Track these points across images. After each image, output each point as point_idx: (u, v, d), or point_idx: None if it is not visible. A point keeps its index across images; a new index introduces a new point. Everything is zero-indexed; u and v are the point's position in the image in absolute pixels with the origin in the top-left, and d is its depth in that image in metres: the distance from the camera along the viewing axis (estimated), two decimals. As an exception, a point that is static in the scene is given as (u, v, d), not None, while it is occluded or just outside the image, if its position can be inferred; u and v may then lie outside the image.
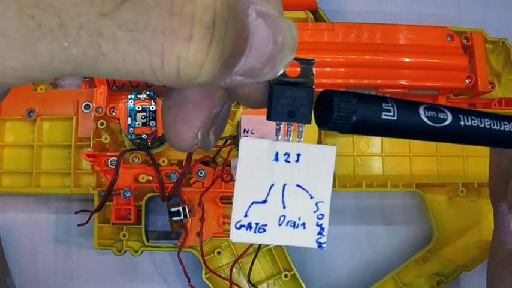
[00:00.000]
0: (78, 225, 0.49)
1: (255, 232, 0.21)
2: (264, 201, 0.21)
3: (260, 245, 0.51)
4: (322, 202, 0.21)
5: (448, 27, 0.55)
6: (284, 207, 0.21)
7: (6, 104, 0.54)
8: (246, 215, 0.21)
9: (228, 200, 0.51)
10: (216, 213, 0.51)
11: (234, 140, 0.49)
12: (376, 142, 0.57)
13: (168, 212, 0.48)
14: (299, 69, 0.20)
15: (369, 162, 0.57)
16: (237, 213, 0.21)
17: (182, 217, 0.48)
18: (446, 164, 0.57)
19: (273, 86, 0.19)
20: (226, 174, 0.49)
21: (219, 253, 0.52)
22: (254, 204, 0.21)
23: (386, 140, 0.57)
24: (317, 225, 0.21)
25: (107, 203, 0.49)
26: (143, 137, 0.47)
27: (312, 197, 0.21)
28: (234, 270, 0.51)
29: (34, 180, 0.52)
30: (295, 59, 0.19)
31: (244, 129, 0.47)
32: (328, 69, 0.52)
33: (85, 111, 0.53)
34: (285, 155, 0.21)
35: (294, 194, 0.21)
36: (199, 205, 0.49)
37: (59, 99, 0.54)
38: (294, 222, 0.21)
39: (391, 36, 0.54)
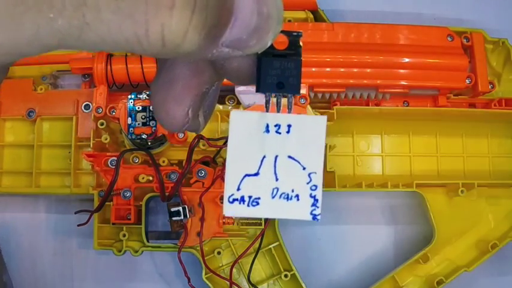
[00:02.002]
0: (78, 225, 0.49)
1: (248, 205, 0.20)
2: (256, 174, 0.20)
3: (260, 245, 0.51)
4: (315, 173, 0.21)
5: (448, 27, 0.55)
6: (277, 180, 0.20)
7: (6, 104, 0.54)
8: (238, 188, 0.20)
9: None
10: (216, 213, 0.51)
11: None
12: (376, 142, 0.57)
13: (168, 212, 0.48)
14: (286, 42, 0.20)
15: (369, 162, 0.57)
16: (229, 186, 0.20)
17: (182, 217, 0.48)
18: (446, 164, 0.58)
19: (261, 58, 0.19)
20: (226, 174, 0.49)
21: (219, 253, 0.52)
22: (246, 177, 0.20)
23: (386, 140, 0.57)
24: (311, 196, 0.21)
25: (107, 203, 0.49)
26: (143, 137, 0.47)
27: (304, 168, 0.21)
28: (234, 270, 0.51)
29: (34, 180, 0.52)
30: (282, 31, 0.19)
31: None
32: (328, 69, 0.52)
33: (85, 111, 0.53)
34: (275, 126, 0.20)
35: (286, 165, 0.20)
36: (199, 205, 0.49)
37: (59, 99, 0.54)
38: (288, 195, 0.21)
39: (391, 36, 0.54)
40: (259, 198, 0.20)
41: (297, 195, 0.21)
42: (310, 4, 0.56)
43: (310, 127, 0.21)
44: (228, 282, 0.50)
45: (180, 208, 0.48)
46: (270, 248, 0.52)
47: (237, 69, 0.20)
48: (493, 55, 0.58)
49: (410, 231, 0.59)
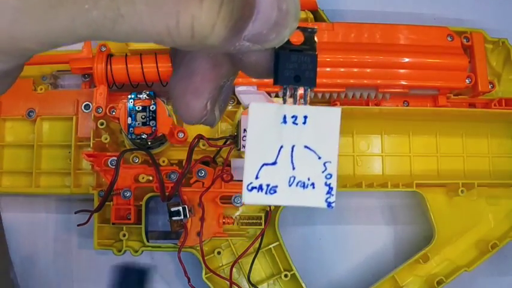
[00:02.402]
0: (78, 225, 0.49)
1: (266, 193, 0.21)
2: (274, 163, 0.21)
3: (260, 245, 0.51)
4: (330, 162, 0.22)
5: (448, 27, 0.55)
6: (293, 168, 0.21)
7: (6, 104, 0.54)
8: (257, 177, 0.21)
9: (228, 200, 0.51)
10: (216, 213, 0.51)
11: (234, 140, 0.49)
12: (376, 142, 0.57)
13: (168, 212, 0.48)
14: (302, 38, 0.21)
15: (369, 162, 0.57)
16: (248, 175, 0.21)
17: (182, 217, 0.48)
18: (446, 163, 0.58)
19: (279, 52, 0.20)
20: (226, 174, 0.49)
21: (219, 253, 0.52)
22: (264, 166, 0.21)
23: (387, 140, 0.57)
24: (326, 184, 0.22)
25: (107, 203, 0.49)
26: (143, 137, 0.47)
27: (319, 158, 0.21)
28: (234, 270, 0.51)
29: (34, 180, 0.52)
30: (298, 28, 0.20)
31: (244, 129, 0.47)
32: (328, 69, 0.52)
33: (85, 111, 0.53)
34: (292, 117, 0.21)
35: (302, 155, 0.21)
36: (199, 205, 0.49)
37: (59, 99, 0.54)
38: (304, 183, 0.21)
39: (391, 36, 0.54)
40: (276, 186, 0.21)
41: (313, 184, 0.21)
42: (310, 4, 0.56)
43: (325, 118, 0.22)
44: (228, 282, 0.50)
45: (180, 208, 0.48)
46: (270, 248, 0.52)
47: (255, 63, 0.21)
48: (493, 55, 0.58)
49: (410, 231, 0.59)
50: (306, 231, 0.58)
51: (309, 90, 0.21)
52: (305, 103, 0.21)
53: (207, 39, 0.17)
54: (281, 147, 0.21)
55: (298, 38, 0.21)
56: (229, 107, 0.53)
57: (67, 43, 0.16)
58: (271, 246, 0.52)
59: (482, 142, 0.59)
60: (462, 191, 0.54)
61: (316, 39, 0.21)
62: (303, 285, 0.52)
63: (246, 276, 0.51)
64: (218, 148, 0.50)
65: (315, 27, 0.21)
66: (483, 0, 0.64)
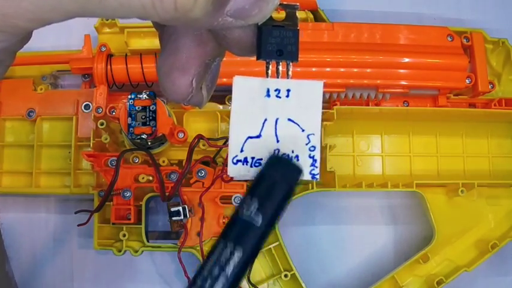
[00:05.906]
0: (78, 225, 0.49)
1: (251, 166, 0.21)
2: (259, 136, 0.21)
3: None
4: (313, 134, 0.22)
5: (448, 27, 0.55)
6: (278, 141, 0.22)
7: (6, 104, 0.54)
8: (241, 150, 0.21)
9: (228, 200, 0.51)
10: (216, 213, 0.51)
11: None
12: (376, 142, 0.57)
13: (168, 212, 0.48)
14: (284, 14, 0.21)
15: (369, 162, 0.57)
16: (233, 148, 0.21)
17: (182, 217, 0.48)
18: (446, 164, 0.58)
19: (261, 27, 0.21)
20: (226, 174, 0.49)
21: (219, 253, 0.52)
22: (249, 139, 0.21)
23: (386, 140, 0.57)
24: (309, 157, 0.22)
25: (107, 203, 0.49)
26: (143, 137, 0.47)
27: (303, 130, 0.22)
28: (234, 270, 0.51)
29: (34, 180, 0.52)
30: (280, 4, 0.20)
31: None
32: (328, 69, 0.52)
33: (85, 111, 0.53)
34: (275, 91, 0.21)
35: (286, 127, 0.22)
36: (199, 205, 0.49)
37: (59, 99, 0.54)
38: (288, 155, 0.22)
39: (391, 36, 0.54)
40: (261, 159, 0.21)
41: (297, 156, 0.22)
42: (310, 4, 0.56)
43: (308, 91, 0.22)
44: (228, 282, 0.50)
45: (180, 208, 0.48)
46: (270, 248, 0.52)
47: (238, 39, 0.21)
48: (493, 55, 0.58)
49: (410, 231, 0.59)
50: (306, 231, 0.58)
51: (291, 64, 0.22)
52: (288, 77, 0.22)
53: (191, 12, 0.18)
54: (265, 120, 0.21)
55: (280, 15, 0.21)
56: (229, 107, 0.53)
57: (57, 19, 0.17)
58: (271, 246, 0.52)
59: (482, 142, 0.59)
60: (462, 191, 0.54)
61: (298, 15, 0.21)
62: (303, 285, 0.52)
63: (246, 276, 0.51)
64: (218, 148, 0.50)
65: (297, 3, 0.22)
66: (483, 0, 0.64)
